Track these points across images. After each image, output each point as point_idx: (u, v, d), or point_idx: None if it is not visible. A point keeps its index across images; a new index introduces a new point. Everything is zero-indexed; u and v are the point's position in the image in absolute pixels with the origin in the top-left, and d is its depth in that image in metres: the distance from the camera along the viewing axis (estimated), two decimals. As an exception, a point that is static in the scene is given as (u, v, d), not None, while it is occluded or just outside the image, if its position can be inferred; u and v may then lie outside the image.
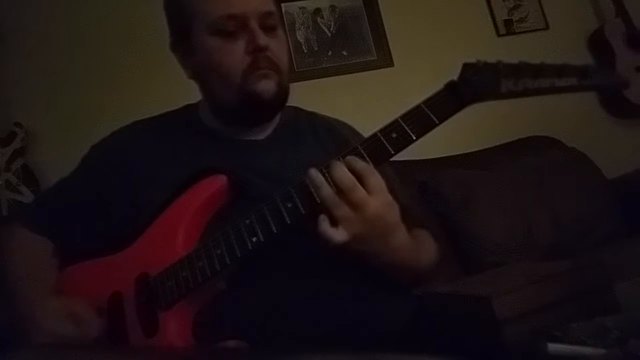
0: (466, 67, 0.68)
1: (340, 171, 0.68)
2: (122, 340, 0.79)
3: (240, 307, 0.76)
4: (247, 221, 0.73)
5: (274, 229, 0.71)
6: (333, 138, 0.96)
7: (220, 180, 0.81)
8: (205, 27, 0.84)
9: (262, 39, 0.82)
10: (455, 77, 0.70)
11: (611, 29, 2.22)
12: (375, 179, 0.69)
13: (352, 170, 0.69)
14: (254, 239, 0.72)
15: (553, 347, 0.69)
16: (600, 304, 0.87)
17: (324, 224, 0.68)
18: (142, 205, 0.85)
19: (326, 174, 0.69)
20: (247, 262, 0.74)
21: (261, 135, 0.93)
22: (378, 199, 0.69)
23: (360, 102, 2.06)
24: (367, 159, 0.70)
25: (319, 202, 0.69)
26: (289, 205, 0.71)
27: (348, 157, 0.70)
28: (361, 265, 0.77)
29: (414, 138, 0.69)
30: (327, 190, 0.68)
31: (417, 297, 0.90)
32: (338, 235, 0.68)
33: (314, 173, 0.69)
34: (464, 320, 0.87)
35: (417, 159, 1.76)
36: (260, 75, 0.83)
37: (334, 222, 0.69)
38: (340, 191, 0.68)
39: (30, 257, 0.90)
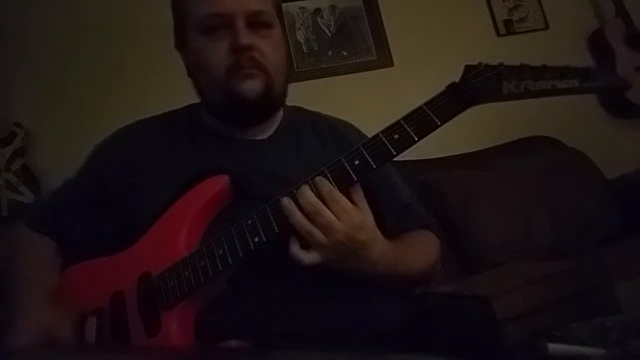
0: (468, 69, 0.69)
1: (304, 197, 0.70)
2: (124, 340, 0.79)
3: (242, 307, 0.77)
4: (250, 221, 0.73)
5: (276, 229, 0.71)
6: (335, 138, 0.96)
7: (222, 180, 0.81)
8: (195, 25, 0.85)
9: (245, 38, 0.82)
10: (456, 78, 0.71)
11: (611, 29, 2.22)
12: (339, 203, 0.70)
13: (319, 194, 0.70)
14: (256, 239, 0.72)
15: (553, 347, 0.69)
16: (600, 304, 0.87)
17: (294, 247, 0.71)
18: (144, 204, 0.85)
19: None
20: (249, 262, 0.74)
21: (263, 135, 0.93)
22: (344, 222, 0.70)
23: (360, 102, 2.06)
24: (370, 159, 0.70)
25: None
26: None
27: (316, 179, 0.71)
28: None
29: (416, 139, 0.69)
30: (298, 217, 0.70)
31: (417, 297, 0.90)
32: (308, 257, 0.71)
33: (286, 201, 0.71)
34: (464, 320, 0.87)
35: (417, 159, 1.76)
36: (244, 75, 0.83)
37: (306, 245, 0.71)
38: (306, 216, 0.69)
39: (32, 258, 0.90)
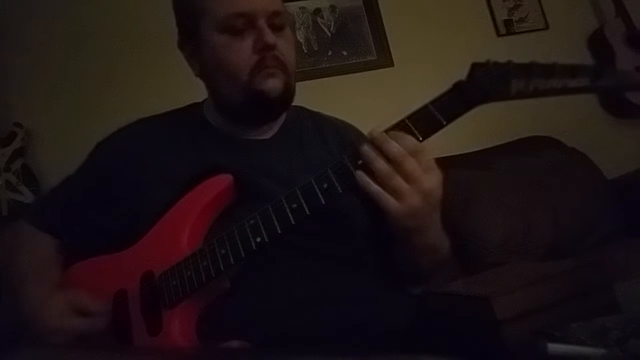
0: (475, 66, 0.67)
1: (390, 143, 0.66)
2: (126, 339, 0.79)
3: (244, 307, 0.77)
4: (252, 221, 0.73)
5: (278, 229, 0.71)
6: (338, 139, 0.96)
7: (226, 180, 0.81)
8: (214, 24, 0.84)
9: (270, 37, 0.83)
10: (456, 78, 0.69)
11: (611, 29, 2.22)
12: (427, 156, 0.68)
13: (404, 147, 0.67)
14: (258, 239, 0.72)
15: (553, 347, 0.69)
16: (600, 304, 0.87)
17: (384, 196, 0.67)
18: (147, 202, 0.85)
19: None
20: (251, 262, 0.74)
21: (266, 135, 0.93)
22: (432, 174, 0.68)
23: (360, 102, 2.06)
24: None
25: (353, 185, 0.67)
26: (294, 205, 0.71)
27: (395, 132, 0.68)
28: (362, 266, 0.77)
29: (420, 139, 0.68)
30: (380, 163, 0.66)
31: (417, 297, 0.90)
32: (395, 206, 0.67)
33: (366, 148, 0.67)
34: (464, 320, 0.87)
35: (417, 158, 1.76)
36: (267, 74, 0.84)
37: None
38: (391, 162, 0.66)
39: (35, 255, 0.90)
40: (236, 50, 0.84)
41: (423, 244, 0.77)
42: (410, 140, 0.67)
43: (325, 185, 0.69)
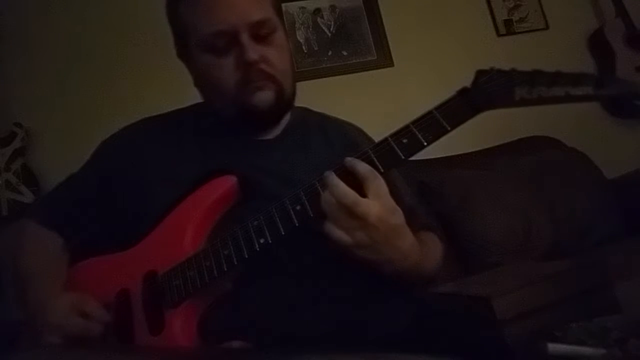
0: (479, 74, 0.68)
1: (340, 189, 0.68)
2: (128, 338, 0.80)
3: (245, 308, 0.77)
4: (255, 222, 0.73)
5: (281, 230, 0.71)
6: (342, 139, 0.96)
7: (230, 181, 0.81)
8: (197, 43, 0.84)
9: (252, 53, 0.81)
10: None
11: (611, 29, 2.23)
12: (378, 183, 0.69)
13: (355, 173, 0.69)
14: (262, 240, 0.72)
15: (553, 347, 0.69)
16: (600, 304, 0.87)
17: (331, 227, 0.69)
18: (150, 202, 0.85)
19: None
20: (254, 263, 0.74)
21: (270, 135, 0.93)
22: (380, 203, 0.69)
23: (360, 102, 2.06)
24: (377, 163, 0.70)
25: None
26: (298, 207, 0.71)
27: (352, 160, 0.70)
28: (364, 268, 0.77)
29: (425, 144, 0.69)
30: (330, 204, 0.68)
31: (417, 297, 0.90)
32: (345, 237, 0.69)
33: (327, 196, 0.69)
34: (464, 320, 0.87)
35: (417, 159, 1.76)
36: (254, 88, 0.83)
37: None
38: (342, 206, 0.68)
39: (40, 252, 0.90)
40: (220, 68, 0.83)
41: (395, 270, 0.76)
42: (362, 166, 0.69)
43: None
